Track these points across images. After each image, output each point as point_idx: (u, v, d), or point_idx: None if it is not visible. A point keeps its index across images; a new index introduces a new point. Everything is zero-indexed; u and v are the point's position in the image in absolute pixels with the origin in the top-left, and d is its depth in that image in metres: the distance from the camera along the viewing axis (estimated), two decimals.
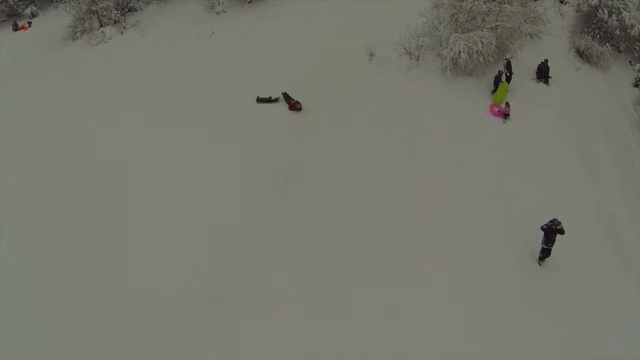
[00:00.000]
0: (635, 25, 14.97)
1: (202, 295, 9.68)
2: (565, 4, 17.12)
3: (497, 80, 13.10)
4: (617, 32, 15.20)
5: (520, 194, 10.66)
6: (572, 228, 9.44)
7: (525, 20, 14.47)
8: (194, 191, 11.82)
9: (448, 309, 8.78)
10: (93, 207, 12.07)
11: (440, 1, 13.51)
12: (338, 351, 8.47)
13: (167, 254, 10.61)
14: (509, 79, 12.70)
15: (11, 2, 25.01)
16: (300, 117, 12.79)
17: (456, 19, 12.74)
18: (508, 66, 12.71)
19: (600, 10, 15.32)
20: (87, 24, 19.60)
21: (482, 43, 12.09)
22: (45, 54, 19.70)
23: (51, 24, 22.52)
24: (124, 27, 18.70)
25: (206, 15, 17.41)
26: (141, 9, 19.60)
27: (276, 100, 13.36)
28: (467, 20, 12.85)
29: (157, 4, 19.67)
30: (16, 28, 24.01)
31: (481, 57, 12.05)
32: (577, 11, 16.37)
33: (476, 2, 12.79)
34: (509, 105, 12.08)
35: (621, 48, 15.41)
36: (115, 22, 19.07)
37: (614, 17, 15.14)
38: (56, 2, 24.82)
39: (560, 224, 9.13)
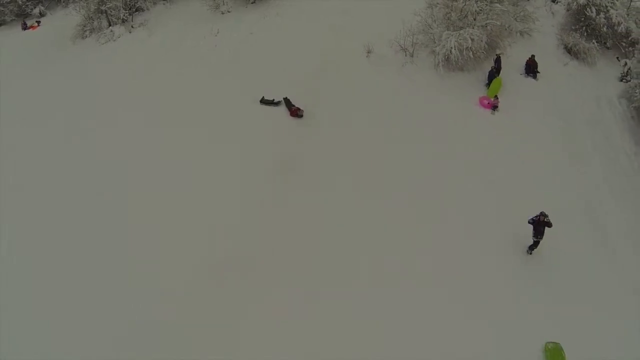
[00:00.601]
0: (622, 23, 15.98)
1: (202, 295, 9.98)
2: (557, 3, 18.13)
3: (490, 75, 14.13)
4: (605, 29, 16.21)
5: (509, 182, 11.54)
6: (557, 217, 10.07)
7: (515, 19, 15.47)
8: (194, 190, 12.19)
9: (441, 304, 9.29)
10: (93, 206, 12.40)
11: (435, 1, 14.52)
12: (338, 350, 8.80)
13: (168, 254, 10.93)
14: (497, 72, 13.70)
15: (20, 1, 26.22)
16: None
17: (449, 17, 13.75)
18: (497, 61, 13.76)
19: (588, 9, 16.33)
20: (96, 23, 20.67)
21: (472, 40, 13.12)
22: (54, 52, 20.70)
23: (59, 23, 23.61)
24: (132, 26, 19.78)
25: (211, 15, 18.46)
26: (148, 9, 20.69)
27: (278, 103, 13.97)
28: (459, 19, 13.89)
29: (164, 4, 20.77)
30: (25, 27, 25.16)
31: (471, 52, 13.07)
32: (567, 10, 17.37)
33: (468, 2, 13.83)
34: (497, 98, 13.13)
35: (608, 45, 16.42)
36: (123, 22, 20.17)
37: (601, 15, 16.15)
38: (64, 2, 26.02)
39: (547, 216, 9.68)
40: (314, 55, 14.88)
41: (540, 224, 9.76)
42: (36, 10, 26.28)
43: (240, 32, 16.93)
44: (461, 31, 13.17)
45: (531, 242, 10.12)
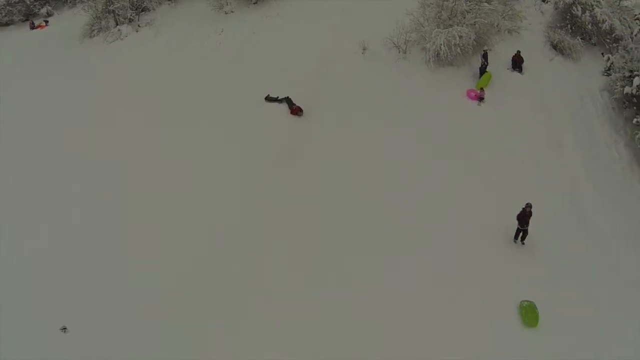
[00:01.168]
0: (606, 20, 17.17)
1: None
2: (547, 2, 19.33)
3: (481, 71, 15.36)
4: (590, 26, 17.40)
5: (494, 169, 12.72)
6: (539, 201, 11.16)
7: (504, 17, 16.68)
8: (194, 189, 12.70)
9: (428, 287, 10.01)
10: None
11: (427, 1, 15.72)
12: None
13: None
14: (485, 68, 14.86)
15: (28, 1, 27.50)
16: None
17: (439, 16, 14.96)
18: (485, 56, 15.01)
19: (574, 7, 17.51)
20: (103, 22, 21.93)
21: (460, 37, 14.34)
22: (63, 50, 21.94)
23: (66, 23, 24.90)
24: (139, 26, 21.08)
25: (215, 15, 19.77)
26: (153, 9, 21.99)
27: (282, 100, 15.00)
28: (449, 17, 15.11)
29: (169, 4, 22.06)
30: (33, 27, 26.43)
31: (458, 49, 14.26)
32: (555, 9, 18.55)
33: (457, 1, 15.03)
34: (483, 91, 14.37)
35: (593, 41, 17.59)
36: (130, 21, 21.45)
37: (587, 13, 17.32)
38: (70, 2, 27.31)
39: (531, 206, 10.57)
40: (313, 54, 16.14)
41: (526, 215, 10.72)
42: (43, 10, 27.60)
43: (243, 32, 18.24)
44: (450, 29, 14.38)
45: (515, 231, 11.02)
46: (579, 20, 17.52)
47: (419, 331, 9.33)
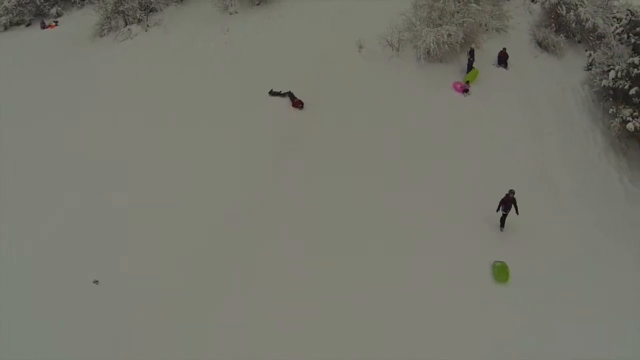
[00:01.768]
0: (589, 19, 18.76)
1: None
2: (535, 2, 20.88)
3: (469, 67, 17.00)
4: (574, 25, 18.97)
5: (479, 154, 14.27)
6: (519, 181, 12.82)
7: (492, 17, 18.25)
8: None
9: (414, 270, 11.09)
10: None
11: (419, 2, 17.30)
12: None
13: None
14: (471, 64, 16.41)
15: (38, 2, 29.25)
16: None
17: (430, 16, 16.52)
18: (471, 53, 16.63)
19: (559, 7, 19.07)
20: (113, 22, 23.62)
21: (449, 35, 15.94)
22: (76, 49, 23.64)
23: (76, 23, 26.70)
24: (148, 26, 22.74)
25: (220, 16, 21.51)
26: (161, 10, 23.76)
27: (285, 94, 16.66)
28: (439, 17, 16.69)
29: (176, 5, 23.82)
30: (44, 26, 28.20)
31: (446, 46, 15.84)
32: (542, 8, 20.09)
33: (447, 2, 16.56)
34: (468, 84, 16.08)
35: (577, 39, 19.13)
36: (139, 21, 23.11)
37: (571, 12, 18.86)
38: (79, 3, 29.03)
39: (514, 192, 11.76)
40: (313, 53, 17.84)
41: (509, 201, 11.96)
42: (53, 10, 29.44)
43: (247, 32, 19.98)
44: (439, 28, 15.97)
45: (500, 218, 12.33)
46: (564, 19, 19.14)
47: (410, 298, 10.59)
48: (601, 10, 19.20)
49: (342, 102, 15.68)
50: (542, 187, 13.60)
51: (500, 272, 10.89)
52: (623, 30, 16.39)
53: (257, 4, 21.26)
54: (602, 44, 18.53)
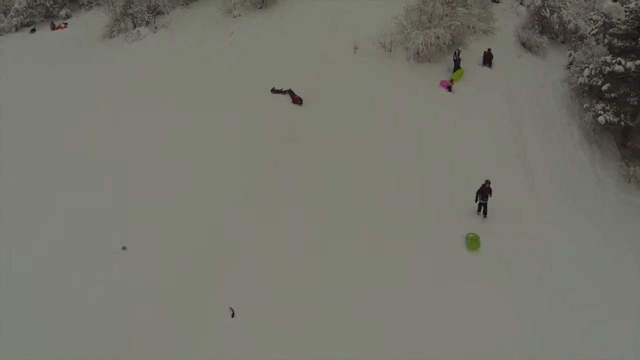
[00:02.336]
0: (571, 21, 20.61)
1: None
2: (523, 5, 22.69)
3: (456, 66, 18.88)
4: (557, 26, 20.78)
5: (461, 143, 16.05)
6: (498, 170, 14.58)
7: (479, 20, 20.07)
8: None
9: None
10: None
11: (411, 7, 19.13)
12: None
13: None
14: (458, 64, 18.27)
15: (47, 4, 31.18)
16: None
17: (420, 20, 18.34)
18: (456, 54, 18.42)
19: (543, 10, 20.89)
20: (122, 24, 25.53)
21: (437, 37, 17.79)
22: (87, 49, 25.51)
23: (85, 24, 28.72)
24: (155, 28, 24.60)
25: (224, 19, 23.50)
26: (168, 12, 25.65)
27: (286, 92, 18.51)
28: (429, 20, 18.49)
29: (182, 8, 25.80)
30: (54, 27, 30.14)
31: (433, 47, 17.69)
32: (529, 11, 21.90)
33: (436, 6, 18.39)
34: (452, 81, 18.08)
35: (560, 39, 20.95)
36: (147, 23, 25.01)
37: (555, 14, 20.68)
38: (87, 5, 30.97)
39: (489, 182, 13.37)
40: (312, 53, 19.83)
41: (485, 190, 13.58)
42: (62, 12, 31.40)
43: (250, 35, 22.02)
44: (428, 31, 17.80)
45: (477, 205, 13.97)
46: (548, 21, 20.98)
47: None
48: (586, 11, 21.04)
49: (338, 98, 17.63)
50: (520, 175, 15.42)
51: (473, 242, 12.77)
52: (598, 31, 18.29)
53: (260, 8, 23.25)
54: (583, 44, 20.40)
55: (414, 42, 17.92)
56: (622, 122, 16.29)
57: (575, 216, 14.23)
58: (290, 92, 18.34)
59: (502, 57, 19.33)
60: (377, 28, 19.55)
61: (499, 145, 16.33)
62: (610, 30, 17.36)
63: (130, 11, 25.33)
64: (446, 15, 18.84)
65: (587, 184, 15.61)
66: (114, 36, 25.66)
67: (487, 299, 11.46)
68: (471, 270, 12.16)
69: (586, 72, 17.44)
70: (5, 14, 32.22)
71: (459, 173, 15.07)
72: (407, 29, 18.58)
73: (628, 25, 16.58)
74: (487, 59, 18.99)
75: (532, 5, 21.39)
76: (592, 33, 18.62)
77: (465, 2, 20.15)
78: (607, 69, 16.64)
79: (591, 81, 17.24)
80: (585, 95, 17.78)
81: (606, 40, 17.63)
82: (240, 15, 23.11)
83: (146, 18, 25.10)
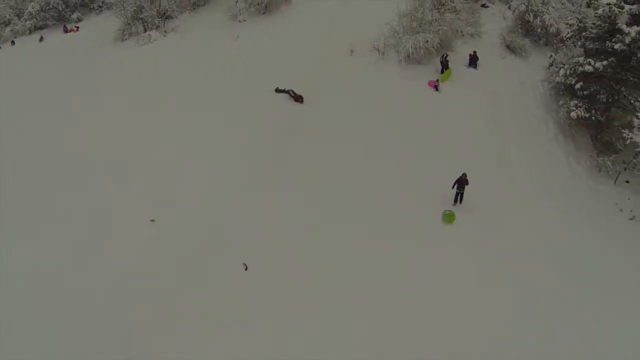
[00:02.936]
0: (553, 25, 22.86)
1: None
2: (511, 10, 24.97)
3: (444, 67, 21.26)
4: (539, 30, 23.05)
5: (445, 136, 18.33)
6: (477, 166, 16.76)
7: (467, 24, 22.37)
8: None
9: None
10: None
11: (403, 12, 21.46)
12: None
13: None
14: (445, 66, 20.59)
15: (60, 8, 33.71)
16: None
17: (411, 25, 20.65)
18: (443, 57, 20.70)
19: (527, 14, 23.17)
20: (133, 28, 27.95)
21: (426, 41, 20.10)
22: (100, 50, 27.87)
23: (96, 28, 31.41)
24: (165, 31, 27.01)
25: (229, 23, 26.02)
26: (176, 17, 28.01)
27: (289, 92, 20.95)
28: (419, 25, 20.79)
29: (189, 13, 28.36)
30: (66, 30, 32.66)
31: (422, 51, 20.02)
32: (514, 15, 24.19)
33: (425, 13, 20.71)
34: (438, 81, 20.59)
35: (543, 42, 23.23)
36: (157, 27, 27.39)
37: (538, 19, 22.95)
38: (97, 9, 33.47)
39: (466, 175, 15.39)
40: (312, 56, 22.37)
41: (462, 181, 15.66)
42: (74, 16, 34.00)
43: (254, 38, 24.57)
44: (417, 35, 20.13)
45: (454, 194, 16.15)
46: (532, 25, 23.25)
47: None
48: (572, 14, 23.25)
49: (336, 97, 20.10)
50: (498, 166, 17.74)
51: (448, 217, 15.22)
52: (574, 34, 20.54)
53: (263, 13, 25.78)
54: (564, 46, 22.66)
55: (404, 46, 20.38)
56: (593, 117, 18.60)
57: (547, 202, 16.51)
58: (292, 92, 20.73)
59: (487, 59, 21.68)
60: (372, 33, 22.04)
61: (479, 139, 18.65)
62: (584, 33, 19.70)
63: (141, 16, 27.85)
64: (435, 21, 21.24)
65: (560, 173, 17.90)
66: (125, 39, 28.23)
67: (460, 262, 13.62)
68: (446, 237, 14.51)
69: (562, 72, 19.75)
70: (19, 17, 35.01)
71: (441, 163, 17.32)
72: (399, 34, 21.03)
73: (598, 29, 18.93)
74: (473, 61, 21.36)
75: (516, 10, 23.71)
76: (567, 36, 20.91)
77: (455, 8, 22.57)
78: (580, 69, 18.96)
79: (566, 80, 19.55)
80: (562, 93, 20.07)
81: (579, 43, 19.95)
82: (245, 20, 25.73)
83: (156, 22, 27.60)
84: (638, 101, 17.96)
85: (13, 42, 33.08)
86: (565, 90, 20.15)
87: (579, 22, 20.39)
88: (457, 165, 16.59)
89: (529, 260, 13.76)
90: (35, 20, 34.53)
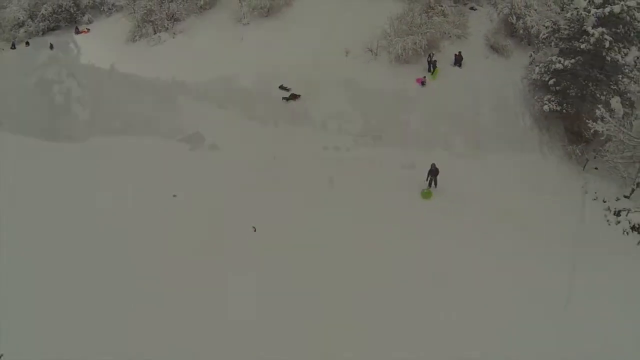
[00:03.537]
0: (534, 26, 25.58)
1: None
2: (497, 12, 27.70)
3: (433, 66, 24.02)
4: (522, 31, 25.76)
5: (428, 126, 21.25)
6: (457, 154, 19.75)
7: (454, 26, 25.10)
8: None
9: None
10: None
11: (394, 16, 24.22)
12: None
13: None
14: (433, 65, 23.36)
15: (71, 10, 36.55)
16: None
17: (401, 28, 23.41)
18: (430, 56, 23.49)
19: (511, 16, 25.89)
20: (143, 30, 30.73)
21: (415, 43, 22.85)
22: (112, 51, 30.59)
23: (107, 29, 34.07)
24: (174, 33, 29.78)
25: (234, 26, 28.77)
26: (184, 19, 30.74)
27: (288, 89, 23.80)
28: (409, 28, 23.54)
29: (196, 15, 31.03)
30: (77, 32, 35.47)
31: (410, 52, 22.78)
32: (499, 17, 26.90)
33: (414, 16, 23.48)
34: (425, 78, 23.32)
35: (525, 42, 25.91)
36: (166, 29, 30.16)
37: (520, 21, 25.67)
38: (107, 12, 36.29)
39: (435, 165, 17.95)
40: (310, 56, 25.18)
41: (432, 171, 18.51)
42: (85, 18, 36.82)
43: (258, 40, 27.41)
44: (406, 37, 22.86)
45: (426, 181, 18.82)
46: (515, 27, 25.95)
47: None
48: (557, 16, 25.92)
49: (332, 94, 23.01)
50: (476, 153, 20.43)
51: (426, 194, 18.21)
52: (549, 35, 23.25)
53: (266, 16, 28.59)
54: (544, 46, 25.36)
55: (394, 48, 23.18)
56: (564, 110, 21.30)
57: (518, 184, 19.22)
58: (291, 90, 23.62)
59: (471, 58, 24.47)
60: (366, 35, 25.05)
61: (460, 130, 21.38)
62: (556, 34, 22.42)
63: (151, 18, 30.65)
64: (424, 24, 23.99)
65: (533, 160, 20.69)
66: (136, 40, 31.01)
67: (438, 225, 16.12)
68: (425, 209, 17.31)
69: (537, 69, 22.50)
70: (32, 19, 37.80)
71: (423, 153, 19.99)
72: (390, 36, 23.77)
73: (570, 31, 21.64)
74: (458, 60, 24.17)
75: (501, 13, 26.44)
76: (542, 37, 23.63)
77: (443, 12, 25.34)
78: (553, 66, 21.68)
79: (542, 77, 22.26)
80: (538, 89, 22.78)
81: (553, 44, 22.67)
82: (249, 23, 28.65)
83: (165, 24, 30.39)
84: (603, 95, 20.79)
85: (27, 43, 35.85)
86: (541, 86, 22.90)
87: (554, 24, 23.16)
88: (438, 154, 19.37)
89: (497, 225, 16.33)
90: (48, 22, 37.38)
